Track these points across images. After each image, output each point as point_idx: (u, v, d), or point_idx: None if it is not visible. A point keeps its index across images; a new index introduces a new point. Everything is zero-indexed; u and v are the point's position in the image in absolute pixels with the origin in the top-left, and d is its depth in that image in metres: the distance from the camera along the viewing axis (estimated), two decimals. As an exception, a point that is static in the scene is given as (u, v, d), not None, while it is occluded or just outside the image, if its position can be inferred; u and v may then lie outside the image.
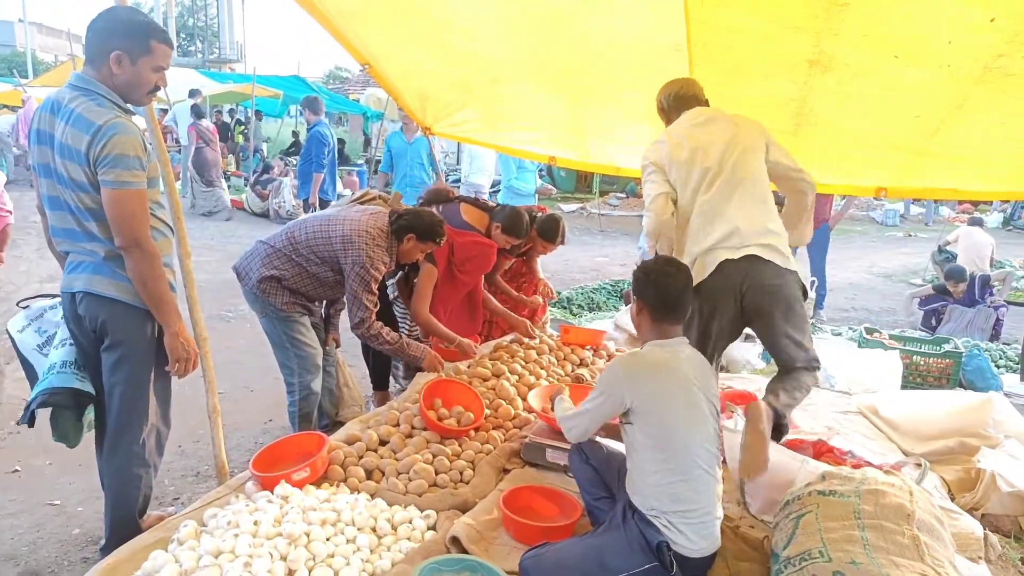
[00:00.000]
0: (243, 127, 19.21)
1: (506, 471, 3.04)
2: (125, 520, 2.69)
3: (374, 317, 3.49)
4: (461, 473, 2.91)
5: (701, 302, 2.99)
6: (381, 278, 3.49)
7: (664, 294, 2.40)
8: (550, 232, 4.47)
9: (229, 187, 14.34)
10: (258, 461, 2.73)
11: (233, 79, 19.28)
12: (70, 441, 2.70)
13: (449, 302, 4.24)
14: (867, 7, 2.93)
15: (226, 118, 20.71)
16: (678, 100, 3.26)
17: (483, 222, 4.29)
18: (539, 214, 4.62)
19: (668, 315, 2.41)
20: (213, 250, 9.47)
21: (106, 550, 2.58)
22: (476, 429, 3.26)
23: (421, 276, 3.91)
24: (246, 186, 13.89)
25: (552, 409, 2.80)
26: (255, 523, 2.34)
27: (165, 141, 3.10)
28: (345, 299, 3.57)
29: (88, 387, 2.64)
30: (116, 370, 2.58)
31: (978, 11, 2.77)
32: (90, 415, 2.70)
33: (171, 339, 2.55)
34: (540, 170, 9.47)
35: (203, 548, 2.22)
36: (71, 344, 2.65)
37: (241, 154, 18.06)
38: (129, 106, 2.50)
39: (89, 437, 2.76)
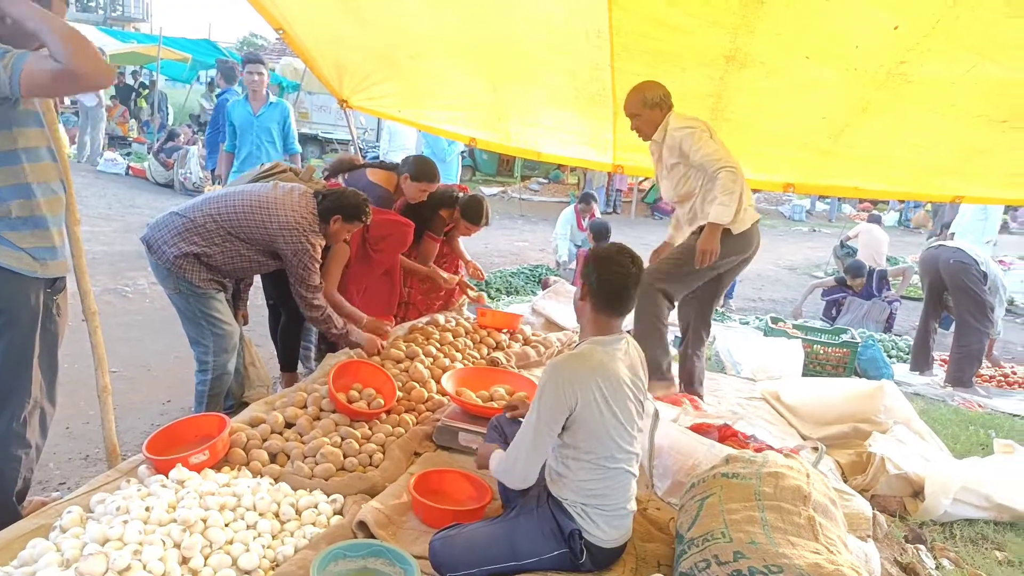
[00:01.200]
0: (147, 91, 18.16)
1: (418, 455, 3.00)
2: (2, 505, 2.49)
3: (323, 300, 3.51)
4: (371, 457, 2.85)
5: (745, 246, 3.65)
6: (319, 257, 3.46)
7: (612, 285, 2.28)
8: (474, 213, 4.43)
9: (130, 154, 13.56)
10: (152, 444, 2.58)
11: (137, 39, 18.21)
12: None
13: (362, 281, 4.13)
14: (781, 6, 3.00)
15: (128, 80, 19.49)
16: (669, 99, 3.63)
17: (391, 181, 4.22)
18: (461, 195, 4.57)
19: (611, 306, 2.29)
20: (110, 220, 8.92)
21: None
22: (387, 412, 3.20)
23: (331, 255, 3.80)
24: (148, 154, 13.13)
25: (489, 467, 2.43)
26: (147, 509, 2.21)
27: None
28: (291, 284, 3.49)
29: None
30: None
31: (884, 16, 2.88)
32: None
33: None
34: (462, 152, 9.37)
35: (88, 536, 2.07)
36: None
37: (143, 122, 17.10)
38: None
39: None
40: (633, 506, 2.34)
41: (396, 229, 4.07)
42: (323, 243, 3.48)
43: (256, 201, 3.34)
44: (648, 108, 3.58)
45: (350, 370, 3.32)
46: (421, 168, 4.11)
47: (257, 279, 4.00)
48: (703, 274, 3.66)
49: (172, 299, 3.40)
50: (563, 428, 2.20)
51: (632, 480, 2.31)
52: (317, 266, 3.43)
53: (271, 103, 5.68)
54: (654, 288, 3.65)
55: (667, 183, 3.75)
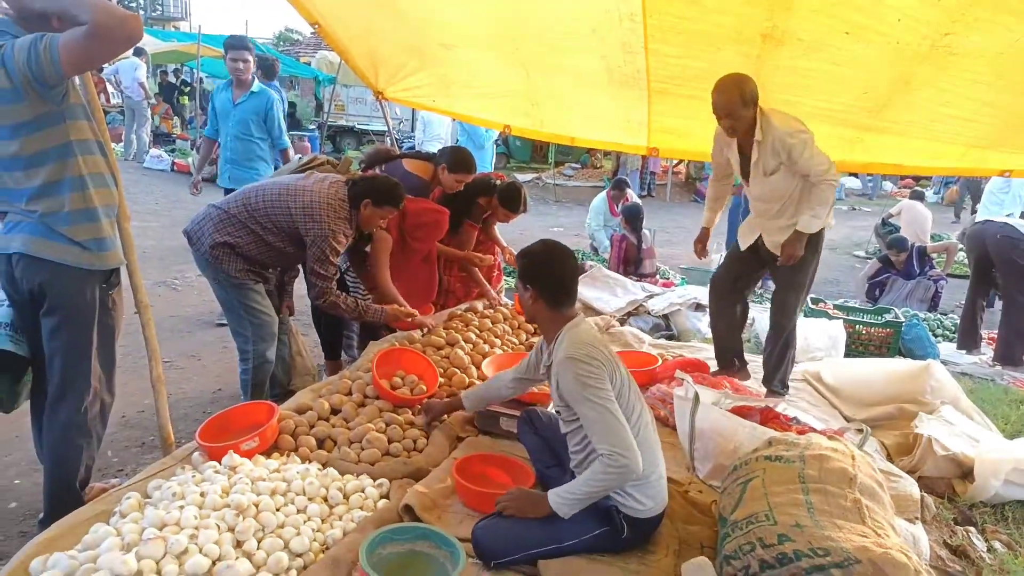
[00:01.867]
0: (189, 87, 18.51)
1: (460, 439, 3.04)
2: (65, 492, 2.61)
3: (334, 287, 3.45)
4: (415, 442, 2.90)
5: (821, 240, 3.73)
6: (343, 249, 3.44)
7: (560, 279, 2.38)
8: (511, 201, 4.45)
9: (174, 151, 13.86)
10: (205, 431, 2.67)
11: (177, 37, 18.49)
12: (3, 406, 2.59)
13: (402, 271, 4.19)
14: (820, -20, 2.94)
15: (171, 78, 19.90)
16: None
17: (427, 171, 4.25)
18: (498, 182, 4.59)
19: (565, 300, 2.40)
20: (158, 215, 9.17)
21: (45, 523, 2.49)
22: (430, 398, 3.25)
23: (375, 244, 3.84)
24: (192, 149, 13.42)
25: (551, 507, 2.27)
26: (201, 494, 2.29)
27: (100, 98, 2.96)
28: (306, 269, 3.50)
29: (24, 351, 2.53)
30: (56, 335, 2.48)
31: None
32: (27, 381, 2.60)
33: None
34: (496, 140, 9.34)
35: (146, 520, 2.15)
36: (8, 305, 2.53)
37: (188, 119, 17.45)
38: None
39: (26, 406, 2.66)
40: (661, 471, 2.36)
41: (432, 217, 4.11)
42: (351, 233, 3.46)
43: (285, 189, 3.38)
44: (746, 107, 3.46)
45: (393, 357, 3.38)
46: (457, 159, 4.14)
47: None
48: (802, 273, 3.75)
49: (214, 289, 3.49)
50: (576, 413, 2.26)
51: (654, 445, 2.34)
52: (335, 256, 3.38)
53: (252, 92, 5.25)
54: (799, 302, 3.84)
55: (759, 182, 3.67)
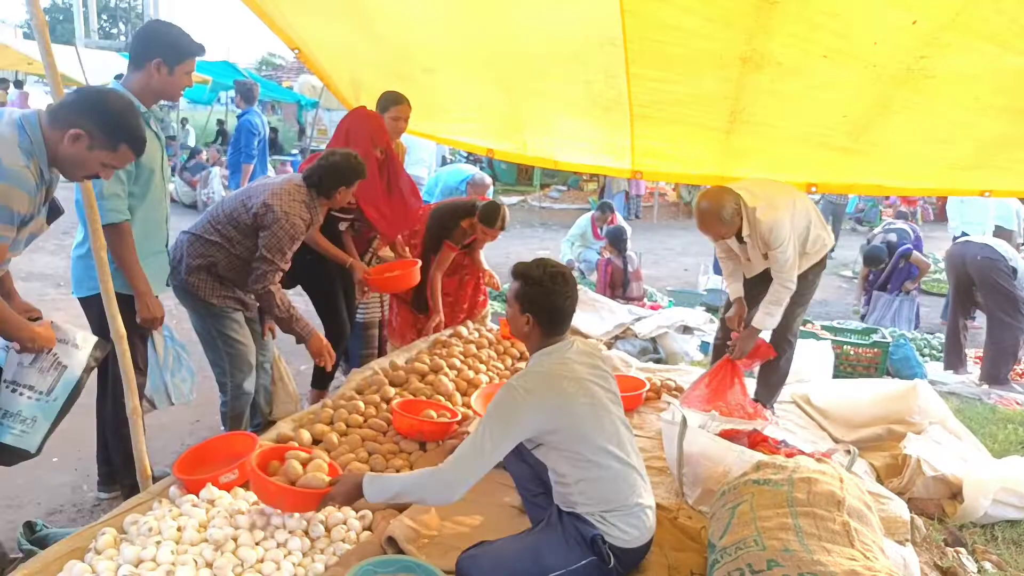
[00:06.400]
0: (170, 112, 18.48)
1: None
2: None
3: (276, 278, 3.31)
4: (397, 471, 2.85)
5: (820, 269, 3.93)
6: (299, 237, 3.33)
7: (562, 310, 2.33)
8: (490, 217, 4.44)
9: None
10: (181, 464, 2.61)
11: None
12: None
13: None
14: (796, 6, 2.97)
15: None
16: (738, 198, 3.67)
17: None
18: (480, 202, 4.60)
19: (558, 328, 2.36)
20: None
21: None
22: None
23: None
24: (173, 175, 13.34)
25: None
26: (179, 529, 2.25)
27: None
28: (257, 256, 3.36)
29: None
30: None
31: (901, 13, 2.84)
32: None
33: None
34: (480, 162, 9.38)
35: (123, 557, 2.11)
36: None
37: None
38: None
39: None
40: (647, 501, 2.32)
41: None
42: (308, 216, 3.37)
43: (244, 191, 3.42)
44: (729, 224, 3.55)
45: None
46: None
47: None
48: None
49: (192, 320, 3.44)
50: (542, 443, 2.24)
51: (632, 473, 2.30)
52: (289, 245, 3.28)
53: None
54: (789, 343, 3.95)
55: (761, 263, 3.78)
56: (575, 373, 2.28)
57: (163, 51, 2.76)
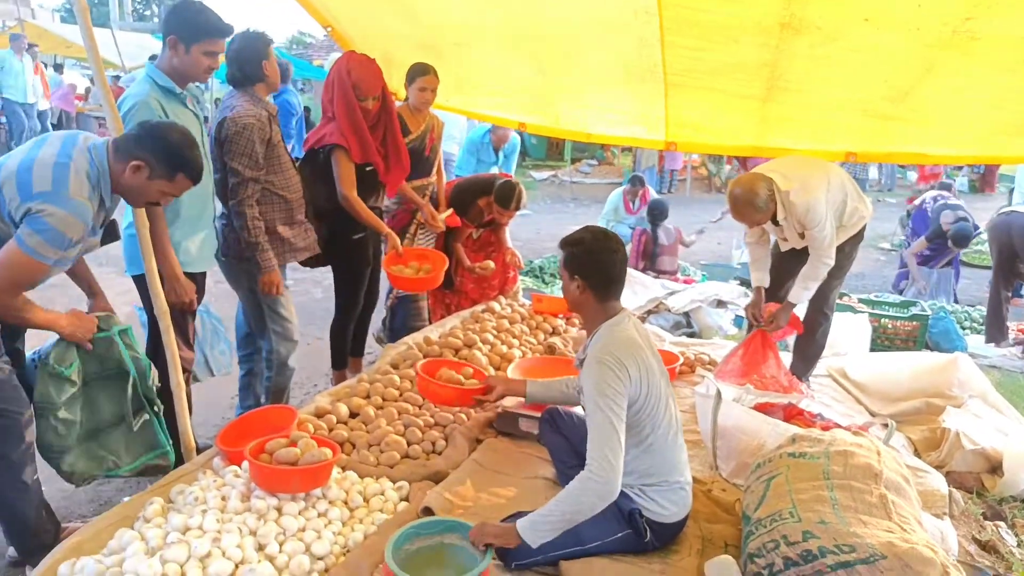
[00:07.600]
0: (206, 93, 18.70)
1: (478, 441, 3.03)
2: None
3: (250, 193, 3.21)
4: (433, 444, 2.90)
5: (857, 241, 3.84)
6: (255, 131, 3.17)
7: (609, 272, 2.31)
8: (504, 197, 4.42)
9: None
10: (224, 436, 2.68)
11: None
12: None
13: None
14: (839, -33, 2.89)
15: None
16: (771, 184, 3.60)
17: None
18: (500, 179, 4.60)
19: (613, 291, 2.33)
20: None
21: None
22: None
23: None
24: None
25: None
26: (223, 498, 2.32)
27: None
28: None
29: None
30: None
31: (948, -29, 2.75)
32: None
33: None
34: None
35: (170, 525, 2.18)
36: None
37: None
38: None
39: None
40: (688, 478, 2.33)
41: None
42: (262, 114, 3.24)
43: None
44: (764, 210, 3.49)
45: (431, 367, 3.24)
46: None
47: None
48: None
49: (240, 297, 3.52)
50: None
51: (680, 451, 2.31)
52: (244, 148, 3.15)
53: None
54: (826, 315, 3.92)
55: (797, 241, 3.74)
56: (643, 345, 2.28)
57: (177, 28, 2.76)
